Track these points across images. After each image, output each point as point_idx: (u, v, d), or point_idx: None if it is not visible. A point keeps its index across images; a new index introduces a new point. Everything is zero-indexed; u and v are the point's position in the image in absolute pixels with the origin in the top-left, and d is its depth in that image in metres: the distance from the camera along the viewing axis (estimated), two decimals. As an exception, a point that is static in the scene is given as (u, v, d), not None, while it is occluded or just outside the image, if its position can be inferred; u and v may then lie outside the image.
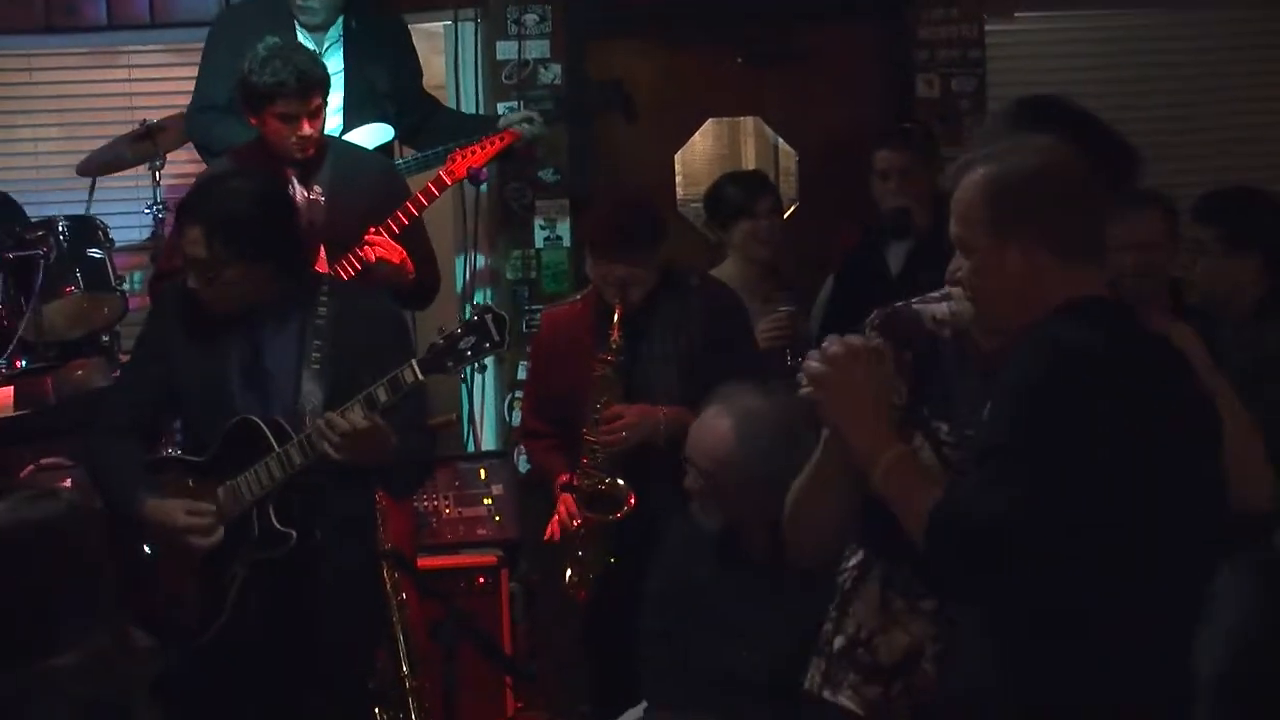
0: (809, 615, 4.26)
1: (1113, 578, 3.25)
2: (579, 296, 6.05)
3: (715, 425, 4.80)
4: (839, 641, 3.64)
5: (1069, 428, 3.18)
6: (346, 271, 5.93)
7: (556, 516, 5.80)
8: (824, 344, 3.41)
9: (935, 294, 3.60)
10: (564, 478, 5.77)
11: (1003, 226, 3.38)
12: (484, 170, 6.75)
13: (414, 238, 6.12)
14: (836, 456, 3.45)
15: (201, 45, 6.84)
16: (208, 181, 5.14)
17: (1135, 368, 3.29)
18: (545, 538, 5.90)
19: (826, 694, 3.63)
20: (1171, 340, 3.50)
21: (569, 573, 5.80)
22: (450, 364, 4.86)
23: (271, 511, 4.80)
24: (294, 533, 4.81)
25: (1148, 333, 3.46)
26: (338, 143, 6.23)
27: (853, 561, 3.63)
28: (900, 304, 3.63)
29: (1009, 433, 3.21)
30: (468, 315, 4.95)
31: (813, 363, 3.39)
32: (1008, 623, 3.34)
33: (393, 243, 6.01)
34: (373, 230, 5.99)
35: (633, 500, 5.64)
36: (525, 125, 6.89)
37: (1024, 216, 3.37)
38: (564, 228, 7.56)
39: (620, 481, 5.68)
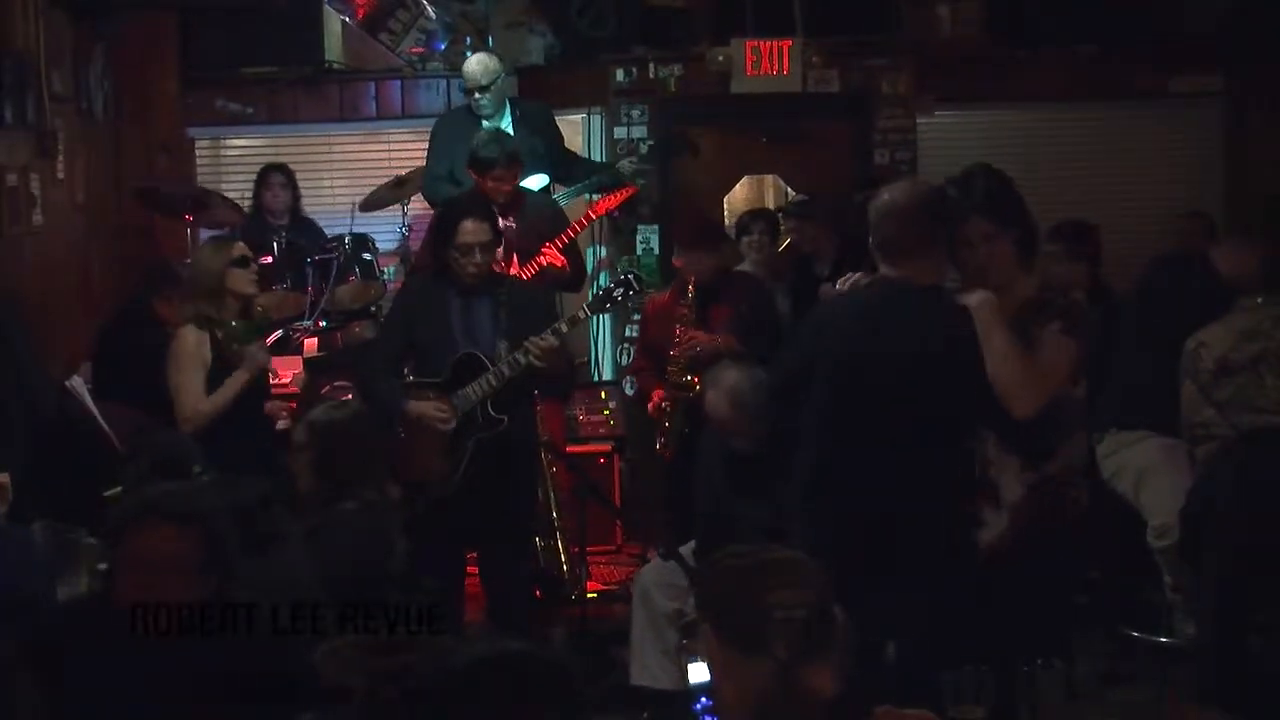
0: (775, 485, 4.40)
1: (856, 440, 3.58)
2: (669, 289, 6.02)
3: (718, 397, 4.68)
4: None
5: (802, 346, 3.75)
6: (529, 271, 5.85)
7: (653, 400, 5.79)
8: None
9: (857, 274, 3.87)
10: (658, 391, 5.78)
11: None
12: (615, 211, 6.77)
13: (571, 249, 6.10)
14: None
15: (431, 129, 6.74)
16: (472, 199, 5.10)
17: (875, 315, 3.59)
18: (649, 410, 5.86)
19: None
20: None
21: (659, 441, 5.79)
22: (608, 305, 5.04)
23: (490, 406, 4.82)
24: (506, 418, 4.81)
25: (923, 293, 3.60)
26: (526, 191, 6.12)
27: None
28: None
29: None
30: (619, 273, 5.08)
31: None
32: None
33: (558, 254, 5.95)
34: (547, 246, 5.94)
35: (697, 382, 5.44)
36: (634, 174, 6.88)
37: (873, 230, 3.70)
38: (654, 242, 7.32)
39: (691, 377, 5.60)
